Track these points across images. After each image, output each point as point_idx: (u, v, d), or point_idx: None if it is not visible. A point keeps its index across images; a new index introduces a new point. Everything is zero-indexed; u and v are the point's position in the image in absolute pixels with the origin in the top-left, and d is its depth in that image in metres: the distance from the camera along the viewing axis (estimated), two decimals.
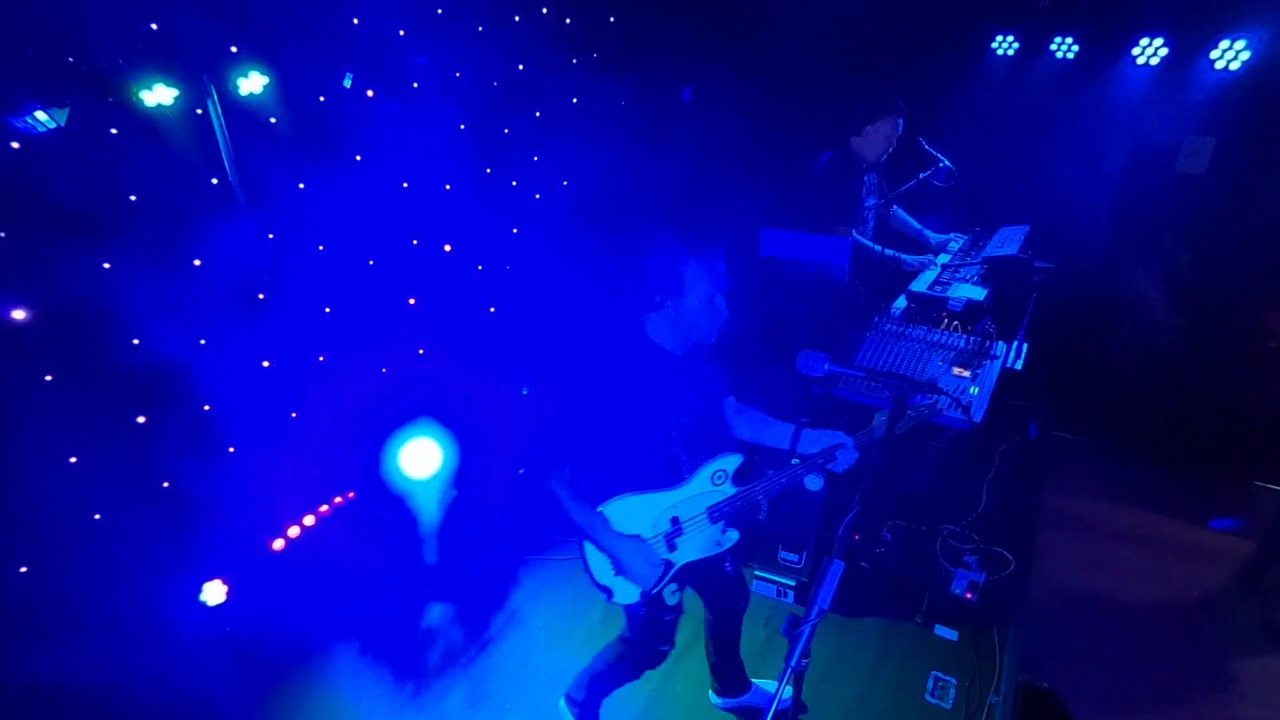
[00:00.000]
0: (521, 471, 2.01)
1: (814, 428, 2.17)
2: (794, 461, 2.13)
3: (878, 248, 3.47)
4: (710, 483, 2.10)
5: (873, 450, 2.08)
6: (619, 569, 2.06)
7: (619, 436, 2.01)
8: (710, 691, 2.80)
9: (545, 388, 4.56)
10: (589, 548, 2.08)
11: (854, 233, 3.66)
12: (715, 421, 2.19)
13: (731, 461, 2.11)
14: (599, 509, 2.03)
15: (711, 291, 1.97)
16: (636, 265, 2.00)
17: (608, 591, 2.11)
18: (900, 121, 3.56)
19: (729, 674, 2.72)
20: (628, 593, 2.10)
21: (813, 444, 2.14)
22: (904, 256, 3.75)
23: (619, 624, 2.36)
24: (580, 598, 3.30)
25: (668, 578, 2.11)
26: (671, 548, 2.11)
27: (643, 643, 2.29)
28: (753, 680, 2.78)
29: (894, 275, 3.72)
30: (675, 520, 2.09)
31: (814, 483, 3.13)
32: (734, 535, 2.19)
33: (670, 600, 2.15)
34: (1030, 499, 3.65)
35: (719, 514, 2.11)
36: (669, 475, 2.07)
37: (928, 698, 2.82)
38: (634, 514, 2.06)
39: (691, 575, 2.22)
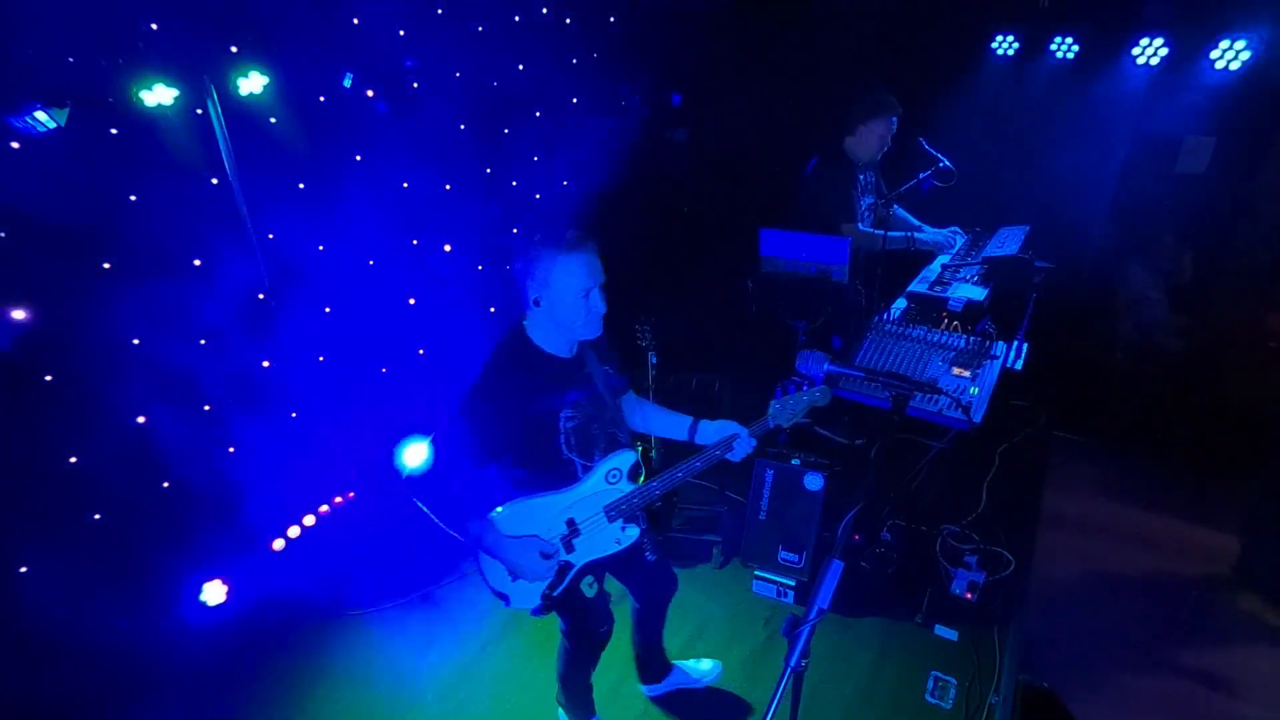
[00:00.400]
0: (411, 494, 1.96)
1: (710, 419, 2.18)
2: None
3: (879, 232, 3.47)
4: (605, 481, 2.07)
5: (781, 435, 2.11)
6: (514, 573, 2.04)
7: (505, 443, 1.97)
8: (639, 685, 2.81)
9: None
10: (484, 556, 2.06)
11: (858, 224, 3.66)
12: (609, 422, 2.14)
13: (626, 459, 2.08)
14: (490, 516, 2.00)
15: (586, 286, 1.90)
16: (511, 265, 1.94)
17: (504, 598, 2.10)
18: (894, 121, 3.56)
19: (653, 663, 2.75)
20: (528, 596, 2.09)
21: (710, 435, 2.14)
22: (915, 235, 3.73)
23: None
24: None
25: (568, 578, 2.10)
26: (569, 549, 2.09)
27: (579, 631, 2.31)
28: (673, 662, 2.82)
29: (894, 274, 3.72)
30: (571, 522, 2.07)
31: (814, 482, 3.14)
32: (634, 531, 2.15)
33: (589, 592, 2.15)
34: (1030, 499, 3.65)
35: (616, 512, 2.09)
36: (562, 478, 2.04)
37: (928, 698, 2.82)
38: (528, 517, 2.03)
39: (610, 566, 2.23)
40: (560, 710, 2.64)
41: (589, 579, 2.15)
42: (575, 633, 2.33)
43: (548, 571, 2.04)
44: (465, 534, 1.97)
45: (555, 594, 2.10)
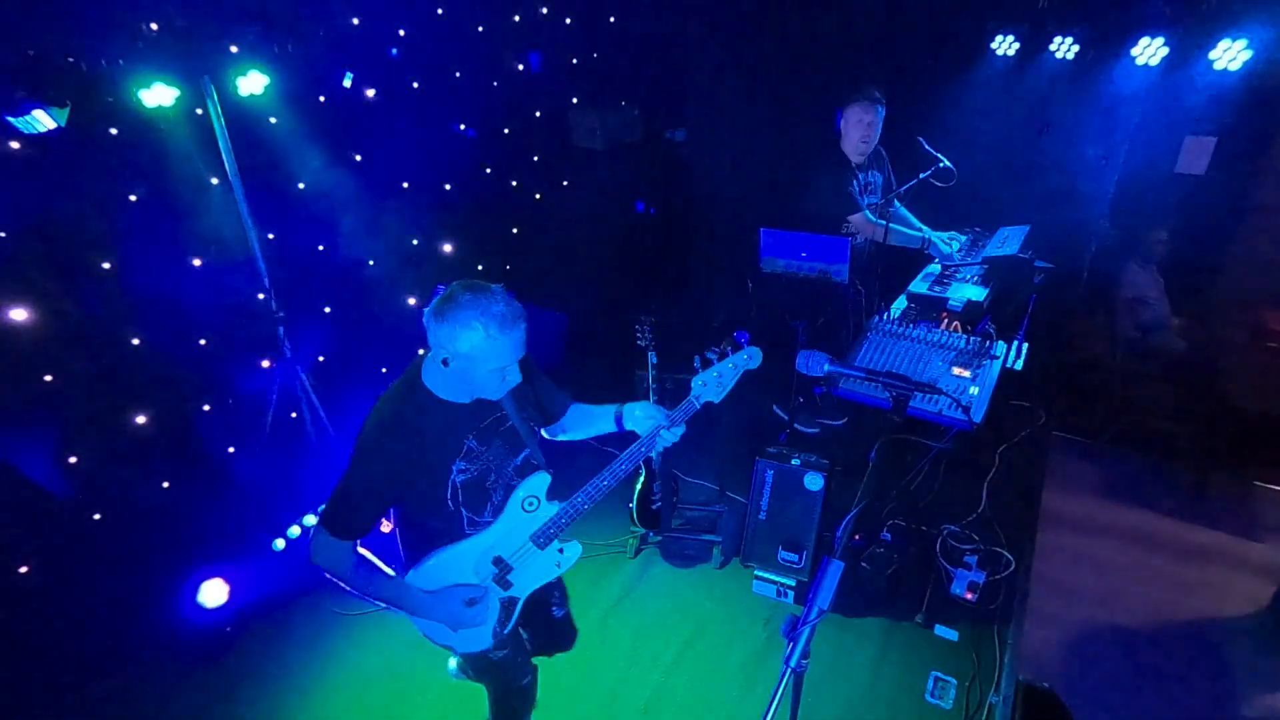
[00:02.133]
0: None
1: (633, 401, 2.05)
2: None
3: (881, 223, 3.46)
4: (522, 510, 1.93)
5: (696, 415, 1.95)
6: (452, 624, 1.93)
7: (393, 496, 1.82)
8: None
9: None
10: (415, 620, 1.96)
11: (865, 211, 3.64)
12: (511, 473, 1.94)
13: (539, 483, 1.94)
14: (406, 578, 1.89)
15: (506, 364, 1.73)
16: (432, 314, 1.71)
17: (450, 648, 2.02)
18: (877, 108, 3.53)
19: None
20: (476, 640, 2.00)
21: (636, 421, 2.00)
22: (925, 237, 3.71)
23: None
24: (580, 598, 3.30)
25: (516, 611, 2.02)
26: (506, 585, 1.98)
27: (503, 693, 2.24)
28: None
29: (894, 274, 3.72)
30: (499, 560, 1.94)
31: (814, 482, 3.14)
32: (575, 549, 2.04)
33: (495, 655, 2.06)
34: (1030, 499, 3.64)
35: (546, 537, 1.95)
36: (449, 530, 1.89)
37: (928, 698, 2.82)
38: (447, 569, 1.90)
39: (522, 614, 2.07)
40: None
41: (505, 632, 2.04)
42: (499, 696, 2.27)
43: (481, 616, 1.94)
44: (383, 600, 1.86)
45: (505, 631, 2.01)
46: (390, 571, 1.90)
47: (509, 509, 1.93)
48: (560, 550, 2.02)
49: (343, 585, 1.81)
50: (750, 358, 1.96)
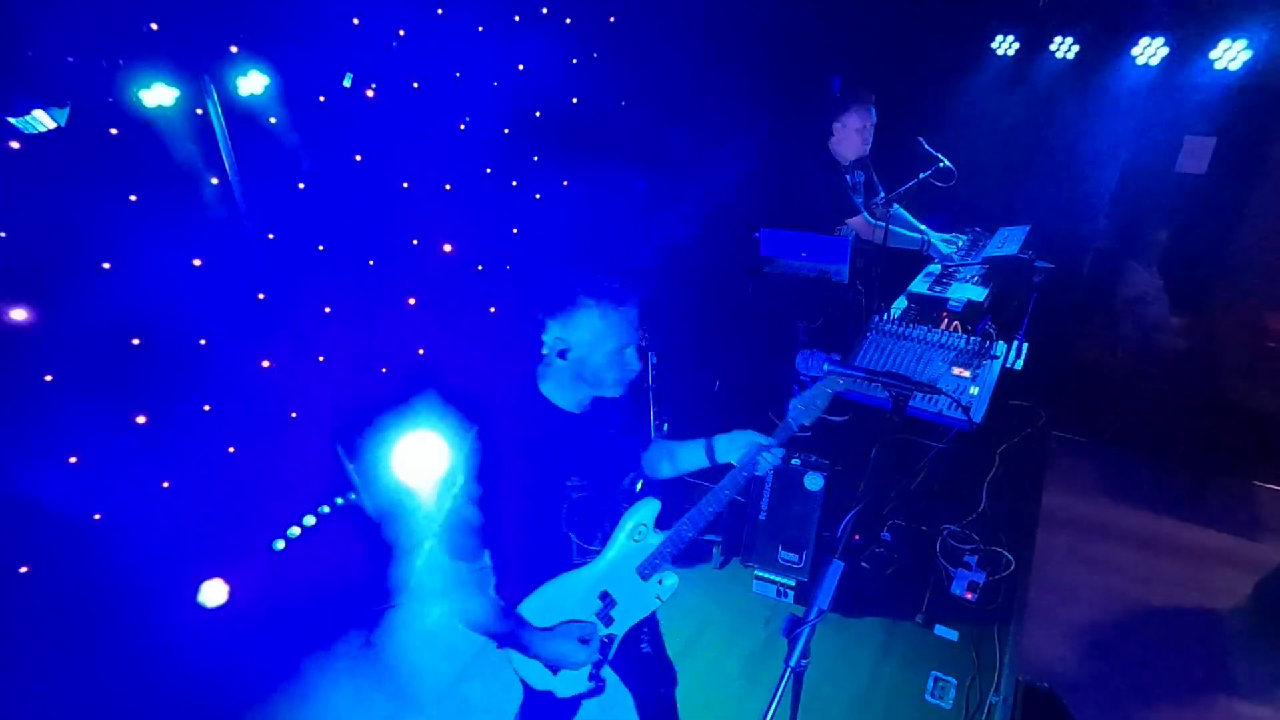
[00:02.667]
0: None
1: (724, 431, 1.99)
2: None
3: (880, 224, 3.46)
4: (631, 540, 1.88)
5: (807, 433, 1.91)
6: (555, 666, 1.83)
7: (514, 516, 1.75)
8: None
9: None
10: (515, 656, 1.85)
11: (864, 214, 3.65)
12: (616, 499, 1.92)
13: (649, 510, 1.89)
14: (518, 611, 1.80)
15: (624, 343, 1.73)
16: (535, 308, 1.73)
17: (551, 693, 1.89)
18: (871, 110, 3.54)
19: None
20: (574, 683, 1.88)
21: (730, 452, 1.94)
22: (927, 239, 3.70)
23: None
24: None
25: (612, 651, 1.92)
26: (608, 622, 1.89)
27: None
28: None
29: (894, 274, 3.73)
30: (605, 595, 1.87)
31: (814, 482, 3.14)
32: (672, 580, 1.95)
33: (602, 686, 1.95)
34: (1030, 499, 3.64)
35: (651, 568, 1.89)
36: (556, 559, 1.83)
37: (928, 698, 2.82)
38: (558, 603, 1.82)
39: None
40: None
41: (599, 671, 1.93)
42: None
43: (590, 656, 1.81)
44: (497, 635, 1.78)
45: (599, 671, 1.90)
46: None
47: (618, 538, 1.87)
48: (660, 582, 1.93)
49: (457, 615, 1.77)
50: (839, 382, 1.93)
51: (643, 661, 2.09)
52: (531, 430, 1.75)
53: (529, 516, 1.76)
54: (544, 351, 1.74)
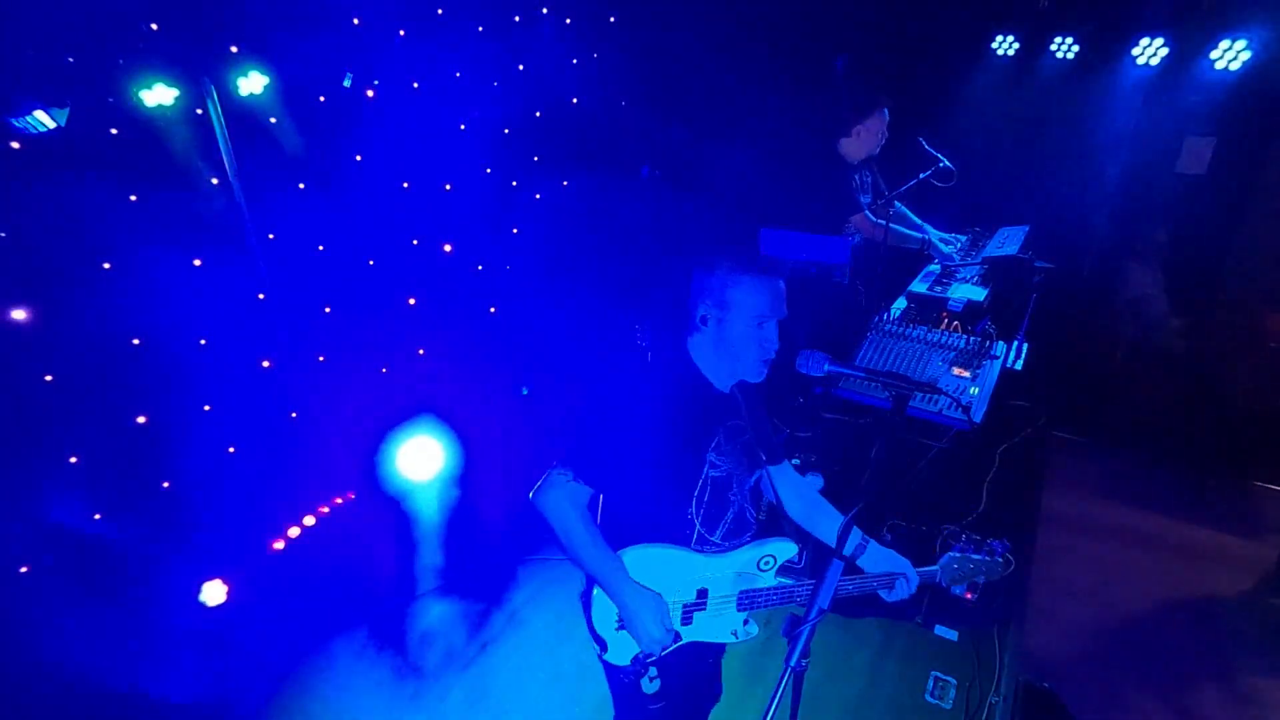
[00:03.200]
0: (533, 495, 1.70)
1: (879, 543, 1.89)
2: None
3: (881, 222, 3.46)
4: (756, 566, 1.81)
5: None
6: (625, 623, 1.74)
7: (640, 472, 1.71)
8: None
9: (547, 389, 4.57)
10: (598, 593, 1.78)
11: (866, 211, 3.64)
12: (751, 489, 1.86)
13: (786, 550, 1.83)
14: (619, 553, 1.73)
15: (764, 314, 1.70)
16: (684, 278, 1.75)
17: (603, 644, 1.83)
18: (887, 111, 3.55)
19: None
20: (622, 652, 1.81)
21: (874, 563, 1.85)
22: (928, 239, 3.70)
23: None
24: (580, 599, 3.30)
25: (669, 649, 1.78)
26: (686, 620, 1.80)
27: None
28: None
29: (894, 274, 3.72)
30: (702, 593, 1.79)
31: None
32: (754, 630, 1.87)
33: (648, 689, 1.83)
34: (1030, 499, 3.64)
35: (750, 602, 1.81)
36: (679, 534, 1.77)
37: (928, 698, 2.82)
38: (656, 569, 1.75)
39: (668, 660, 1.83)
40: None
41: (652, 671, 1.82)
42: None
43: (661, 640, 1.70)
44: (592, 565, 1.71)
45: (649, 660, 1.78)
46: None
47: (745, 553, 1.81)
48: (745, 622, 1.86)
49: (561, 534, 1.70)
50: (1001, 566, 1.89)
51: (697, 672, 1.99)
52: (681, 389, 1.74)
53: (666, 473, 1.72)
54: (693, 319, 1.75)
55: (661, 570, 1.75)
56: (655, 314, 4.11)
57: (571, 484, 1.68)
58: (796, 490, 2.02)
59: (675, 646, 1.79)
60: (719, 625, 1.84)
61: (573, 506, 1.69)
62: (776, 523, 1.92)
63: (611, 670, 1.88)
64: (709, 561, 1.78)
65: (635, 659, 1.79)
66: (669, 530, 1.76)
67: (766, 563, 1.82)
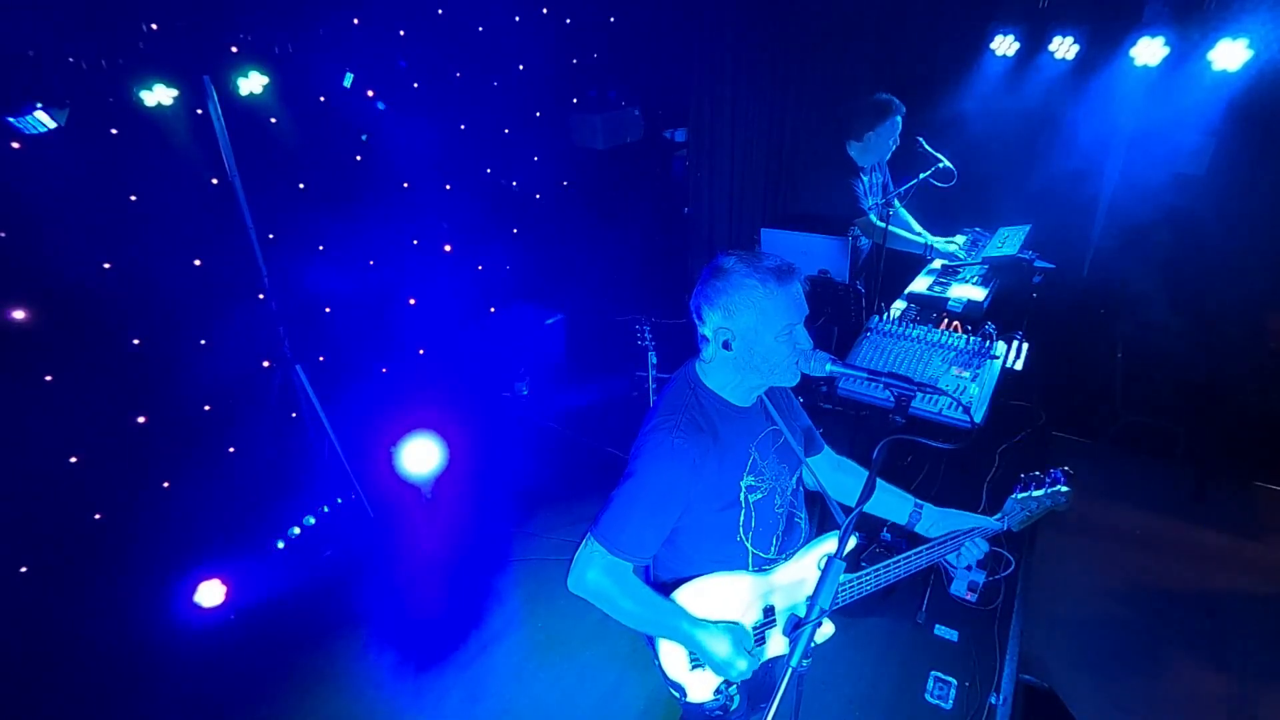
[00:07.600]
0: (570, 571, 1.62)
1: (936, 505, 1.85)
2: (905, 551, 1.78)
3: (881, 224, 3.46)
4: (816, 567, 1.75)
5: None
6: (706, 663, 1.65)
7: (677, 538, 1.65)
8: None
9: (547, 389, 4.57)
10: (661, 643, 1.70)
11: (870, 213, 3.65)
12: (794, 490, 1.79)
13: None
14: (671, 598, 1.66)
15: (790, 322, 1.55)
16: (691, 291, 1.61)
17: (681, 690, 1.74)
18: (899, 119, 3.56)
19: None
20: (702, 689, 1.72)
21: (933, 527, 1.83)
22: (931, 244, 3.69)
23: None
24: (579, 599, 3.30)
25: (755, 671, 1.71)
26: (760, 640, 1.72)
27: None
28: None
29: (894, 274, 3.72)
30: (769, 611, 1.73)
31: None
32: (830, 630, 1.83)
33: (733, 708, 1.77)
34: None
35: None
36: (734, 561, 1.70)
37: (928, 698, 2.82)
38: (719, 598, 1.67)
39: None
40: None
41: (733, 690, 1.75)
42: None
43: (749, 669, 1.63)
44: (651, 626, 1.64)
45: (729, 691, 1.73)
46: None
47: (802, 558, 1.75)
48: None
49: (611, 612, 1.60)
50: (1064, 498, 1.86)
51: (765, 682, 1.89)
52: (704, 420, 1.60)
53: (702, 515, 1.63)
54: (707, 342, 1.60)
55: (725, 598, 1.68)
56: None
57: (608, 559, 1.58)
58: (839, 471, 1.96)
59: (758, 665, 1.72)
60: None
61: (614, 583, 1.59)
62: (828, 513, 1.81)
63: (693, 710, 1.79)
64: (769, 578, 1.72)
65: (719, 691, 1.74)
66: (724, 561, 1.69)
67: (823, 560, 1.73)
